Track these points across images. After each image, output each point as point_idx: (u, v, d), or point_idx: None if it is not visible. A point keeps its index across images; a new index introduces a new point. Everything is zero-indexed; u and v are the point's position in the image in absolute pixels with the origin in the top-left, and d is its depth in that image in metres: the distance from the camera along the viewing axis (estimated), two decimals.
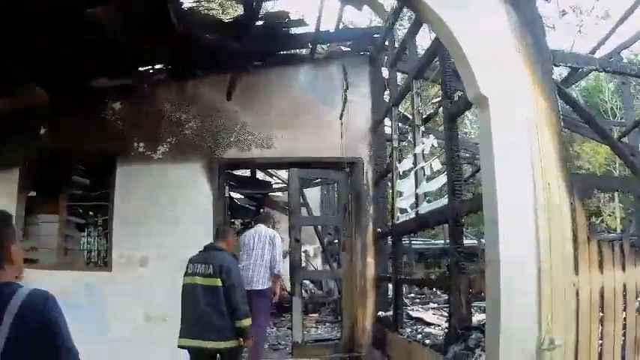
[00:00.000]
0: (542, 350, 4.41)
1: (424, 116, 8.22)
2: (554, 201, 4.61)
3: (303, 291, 13.27)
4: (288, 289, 10.75)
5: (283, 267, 10.45)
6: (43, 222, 10.20)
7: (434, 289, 12.28)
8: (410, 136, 7.99)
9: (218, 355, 6.92)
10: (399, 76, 9.81)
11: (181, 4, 7.82)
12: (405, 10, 9.72)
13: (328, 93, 8.90)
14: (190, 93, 9.92)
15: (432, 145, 7.44)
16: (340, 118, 8.68)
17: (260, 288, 9.02)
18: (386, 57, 9.63)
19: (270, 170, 14.88)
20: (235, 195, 14.61)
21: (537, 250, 4.49)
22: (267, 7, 10.48)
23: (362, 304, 9.54)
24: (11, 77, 8.39)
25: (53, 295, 2.81)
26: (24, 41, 7.55)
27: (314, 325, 12.36)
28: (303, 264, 15.45)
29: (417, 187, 7.41)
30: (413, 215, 7.65)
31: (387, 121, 9.79)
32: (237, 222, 16.13)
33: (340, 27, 9.63)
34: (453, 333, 5.80)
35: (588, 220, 4.94)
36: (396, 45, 9.09)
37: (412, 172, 7.65)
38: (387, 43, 9.45)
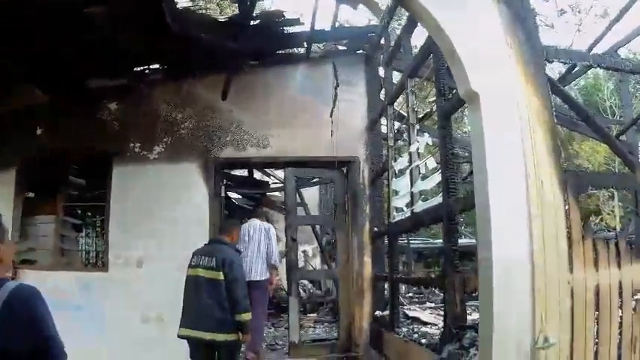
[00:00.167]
0: (536, 349, 4.38)
1: (421, 115, 8.21)
2: (547, 198, 4.58)
3: (301, 291, 13.30)
4: (285, 287, 10.72)
5: (280, 258, 10.51)
6: (40, 223, 10.19)
7: (431, 289, 12.27)
8: (406, 135, 7.97)
9: (217, 352, 6.99)
10: (396, 74, 9.76)
11: (176, 3, 7.78)
12: (402, 9, 9.71)
13: (324, 92, 8.88)
14: (186, 93, 9.89)
15: (427, 144, 7.42)
16: (330, 116, 8.65)
17: (258, 279, 9.18)
18: (382, 56, 9.60)
19: (267, 170, 14.87)
20: (233, 195, 14.58)
21: (531, 247, 4.46)
22: (263, 6, 10.48)
23: (359, 303, 9.53)
24: (7, 77, 8.37)
25: (39, 291, 2.94)
26: (21, 41, 7.54)
27: (312, 325, 12.34)
28: (302, 264, 15.51)
29: (412, 185, 7.39)
30: (408, 214, 7.63)
31: (383, 120, 9.76)
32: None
33: (336, 26, 9.59)
34: (447, 332, 5.78)
35: (583, 218, 4.90)
36: (392, 44, 9.06)
37: (407, 171, 7.63)
38: (382, 41, 9.42)
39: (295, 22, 8.84)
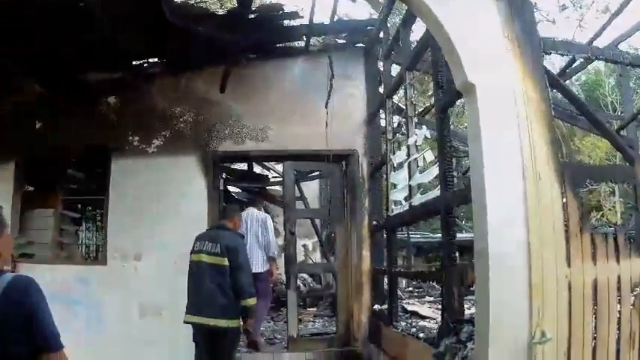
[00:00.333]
0: (533, 343, 4.34)
1: (421, 109, 8.18)
2: (544, 191, 4.53)
3: (301, 285, 13.28)
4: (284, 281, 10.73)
5: (279, 251, 10.54)
6: (39, 216, 10.17)
7: (431, 283, 12.25)
8: (404, 128, 7.94)
9: (218, 337, 7.07)
10: (395, 68, 9.72)
11: None
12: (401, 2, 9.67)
13: (323, 85, 8.81)
14: (184, 86, 9.87)
15: (425, 137, 7.39)
16: (325, 107, 8.62)
17: (259, 271, 9.29)
18: (380, 49, 9.56)
19: (267, 164, 14.87)
20: (233, 189, 14.55)
21: (527, 240, 4.41)
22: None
23: (357, 297, 9.51)
24: (6, 73, 8.34)
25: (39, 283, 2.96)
26: (20, 38, 7.54)
27: (311, 319, 12.32)
28: (302, 258, 15.50)
29: (410, 178, 7.36)
30: (407, 207, 7.60)
31: (382, 114, 9.72)
32: None
33: (335, 20, 9.55)
34: (445, 326, 5.75)
35: (582, 212, 4.85)
36: (391, 37, 9.03)
37: (406, 164, 7.60)
38: (381, 35, 9.38)
39: (294, 15, 8.80)
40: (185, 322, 7.14)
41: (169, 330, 8.79)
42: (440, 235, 6.30)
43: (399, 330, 7.59)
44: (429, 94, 14.27)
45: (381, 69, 9.75)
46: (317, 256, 17.05)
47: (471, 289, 5.53)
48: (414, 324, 7.89)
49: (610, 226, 18.02)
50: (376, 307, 9.18)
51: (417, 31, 9.67)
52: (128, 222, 9.34)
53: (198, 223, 8.88)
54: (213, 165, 9.68)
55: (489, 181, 4.47)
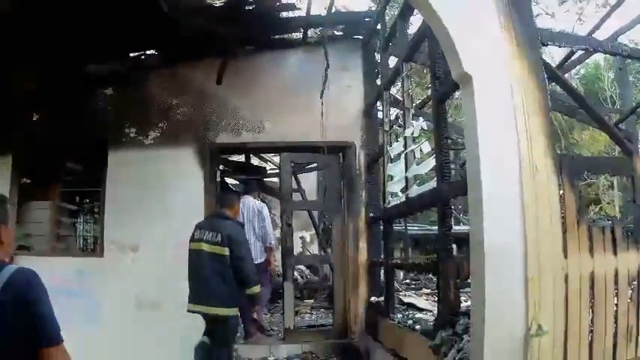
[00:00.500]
0: (529, 336, 4.33)
1: (418, 101, 8.16)
2: (541, 181, 4.51)
3: (298, 276, 13.28)
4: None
5: (276, 242, 10.55)
6: (36, 208, 10.17)
7: (428, 275, 12.24)
8: (401, 120, 7.92)
9: (217, 325, 7.25)
10: (392, 60, 9.69)
11: None
12: None
13: (320, 77, 8.79)
14: (181, 78, 9.85)
15: (422, 128, 7.36)
16: (320, 97, 8.60)
17: (257, 261, 9.22)
18: (378, 41, 9.53)
19: (264, 156, 14.87)
20: (230, 181, 14.53)
21: (524, 232, 4.39)
22: None
23: (354, 289, 9.50)
24: (3, 64, 8.31)
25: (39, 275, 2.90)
26: (17, 29, 7.51)
27: (308, 311, 12.32)
28: (300, 250, 15.50)
29: (407, 170, 7.34)
30: (403, 199, 7.58)
31: (380, 106, 9.70)
32: None
33: (332, 11, 9.51)
34: (441, 318, 5.75)
35: (578, 203, 4.83)
36: (389, 29, 9.00)
37: (402, 156, 7.58)
38: (379, 27, 9.35)
39: (291, 6, 8.80)
40: (188, 311, 7.24)
41: (166, 321, 8.81)
42: (437, 228, 6.29)
43: (396, 322, 7.58)
44: (427, 86, 14.23)
45: (379, 61, 9.71)
46: (314, 248, 17.03)
47: (468, 281, 5.52)
48: (410, 316, 7.87)
49: (608, 220, 17.99)
50: (373, 299, 9.18)
51: (415, 23, 9.64)
52: (125, 214, 9.32)
53: (195, 215, 8.85)
54: (210, 157, 9.65)
55: (485, 172, 4.45)
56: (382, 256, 8.86)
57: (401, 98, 8.29)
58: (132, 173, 9.45)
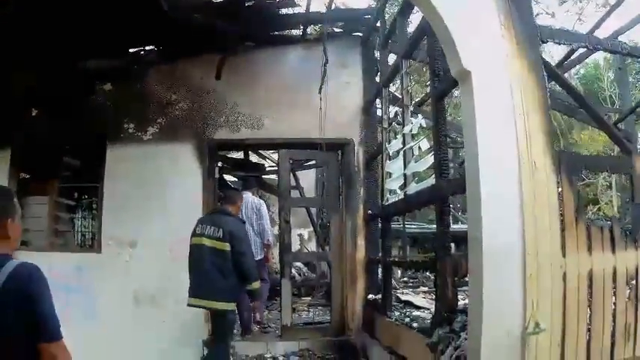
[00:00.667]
0: (527, 334, 4.32)
1: (418, 99, 8.16)
2: (540, 179, 4.51)
3: (296, 274, 13.28)
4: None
5: (273, 235, 10.56)
6: (34, 204, 10.16)
7: (425, 273, 12.25)
8: (400, 117, 7.92)
9: (215, 319, 7.44)
10: (392, 57, 9.68)
11: None
12: None
13: (319, 74, 8.77)
14: (180, 74, 9.82)
15: (421, 125, 7.35)
16: (319, 92, 8.58)
17: (257, 258, 9.18)
18: (377, 38, 9.52)
19: (263, 152, 14.86)
20: (229, 178, 14.53)
21: (522, 230, 4.39)
22: None
23: (352, 286, 9.49)
24: (2, 59, 8.30)
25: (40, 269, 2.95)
26: (16, 24, 7.50)
27: (306, 308, 12.31)
28: (298, 247, 15.50)
29: (405, 167, 7.34)
30: (402, 196, 7.57)
31: (379, 103, 9.69)
32: None
33: (332, 8, 9.50)
34: (438, 316, 5.74)
35: (577, 201, 4.82)
36: (388, 26, 8.99)
37: (401, 153, 7.57)
38: (378, 24, 9.33)
39: (291, 3, 8.79)
40: (188, 306, 7.30)
41: (164, 317, 8.82)
42: (435, 226, 6.28)
43: (393, 320, 7.58)
44: (426, 84, 14.22)
45: (378, 58, 9.70)
46: (312, 246, 17.05)
47: (466, 279, 5.51)
48: (407, 314, 7.88)
49: (606, 220, 18.00)
50: (370, 296, 9.17)
51: (415, 21, 9.62)
52: (123, 209, 9.30)
53: (194, 211, 8.87)
54: (208, 153, 9.62)
55: (484, 169, 4.44)
56: (380, 254, 8.85)
57: (400, 96, 8.29)
58: (130, 169, 9.43)
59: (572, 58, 10.47)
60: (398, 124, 8.25)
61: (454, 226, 6.10)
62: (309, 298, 13.37)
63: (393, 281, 9.58)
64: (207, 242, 7.19)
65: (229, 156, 13.62)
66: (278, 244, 10.23)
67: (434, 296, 7.09)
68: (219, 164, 11.65)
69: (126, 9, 7.57)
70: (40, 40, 8.09)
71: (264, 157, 15.50)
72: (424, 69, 12.63)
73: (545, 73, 4.87)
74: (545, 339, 4.38)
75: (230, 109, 9.70)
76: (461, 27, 4.72)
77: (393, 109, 8.55)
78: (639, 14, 9.03)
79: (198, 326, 8.74)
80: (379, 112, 9.54)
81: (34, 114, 9.70)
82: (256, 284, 7.32)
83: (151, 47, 9.86)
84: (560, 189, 4.64)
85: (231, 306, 7.22)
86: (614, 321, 4.97)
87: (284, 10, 9.09)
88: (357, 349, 9.00)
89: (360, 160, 9.75)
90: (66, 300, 8.50)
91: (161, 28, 8.40)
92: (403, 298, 8.99)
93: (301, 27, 9.73)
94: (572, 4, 21.47)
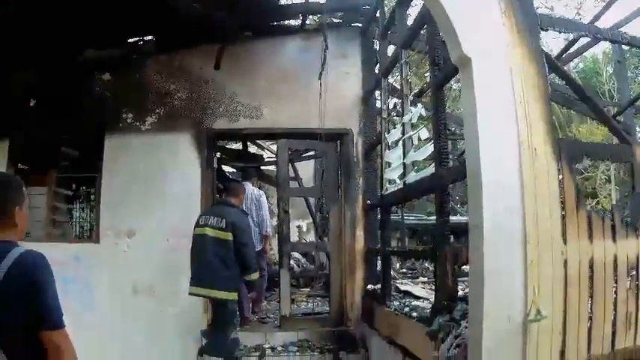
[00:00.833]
0: (528, 322, 4.31)
1: (417, 90, 8.14)
2: (540, 166, 4.49)
3: (295, 265, 13.27)
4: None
5: (271, 227, 10.57)
6: (32, 194, 10.11)
7: (424, 264, 12.24)
8: (399, 107, 7.91)
9: (217, 309, 7.68)
10: (391, 48, 9.67)
11: None
12: None
13: (318, 64, 8.74)
14: (179, 63, 9.80)
15: (420, 114, 7.34)
16: (319, 79, 8.55)
17: (257, 249, 9.23)
18: (377, 29, 9.49)
19: (261, 143, 14.85)
20: (227, 169, 14.52)
21: (523, 217, 4.37)
22: None
23: (351, 277, 9.50)
24: (1, 49, 8.27)
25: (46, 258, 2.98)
26: (14, 15, 7.48)
27: (305, 299, 12.31)
28: (296, 238, 15.50)
29: (404, 156, 7.32)
30: (401, 186, 7.56)
31: (378, 94, 9.68)
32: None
33: None
34: (438, 304, 5.73)
35: (577, 188, 4.81)
36: (388, 16, 8.97)
37: (400, 142, 7.56)
38: (378, 14, 9.31)
39: None
40: (190, 294, 7.48)
41: (162, 307, 8.82)
42: (435, 217, 6.26)
43: (392, 309, 7.56)
44: (425, 75, 14.21)
45: (377, 48, 9.68)
46: (311, 238, 17.05)
47: (465, 269, 5.51)
48: (407, 303, 7.85)
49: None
50: (369, 286, 9.16)
51: (414, 13, 9.60)
52: (121, 200, 9.30)
53: (192, 201, 8.90)
54: (207, 143, 9.61)
55: (485, 157, 4.42)
56: (379, 244, 8.85)
57: (399, 86, 8.27)
58: (128, 159, 9.43)
59: (570, 50, 10.46)
60: (397, 115, 8.24)
61: (452, 218, 6.07)
62: (308, 289, 13.37)
63: (392, 272, 9.56)
64: (210, 232, 7.31)
65: (228, 147, 13.61)
66: (277, 235, 10.22)
67: (433, 286, 7.09)
68: (218, 155, 11.62)
69: None
70: (40, 32, 8.07)
71: (262, 148, 15.49)
72: (423, 61, 12.59)
73: (545, 62, 4.85)
74: (547, 326, 4.36)
75: (229, 99, 9.68)
76: (462, 14, 4.69)
77: (392, 100, 8.54)
78: (639, 8, 9.01)
79: (196, 317, 8.75)
80: (378, 103, 9.53)
81: (32, 104, 9.66)
82: (255, 275, 7.50)
83: (150, 37, 9.83)
84: (560, 176, 4.63)
85: (232, 295, 7.29)
86: (615, 310, 4.95)
87: (283, 0, 9.10)
88: (356, 339, 9.02)
89: (359, 150, 9.74)
90: (64, 290, 8.46)
91: (160, 18, 8.39)
92: (402, 288, 8.97)
93: (300, 17, 9.69)
94: None
